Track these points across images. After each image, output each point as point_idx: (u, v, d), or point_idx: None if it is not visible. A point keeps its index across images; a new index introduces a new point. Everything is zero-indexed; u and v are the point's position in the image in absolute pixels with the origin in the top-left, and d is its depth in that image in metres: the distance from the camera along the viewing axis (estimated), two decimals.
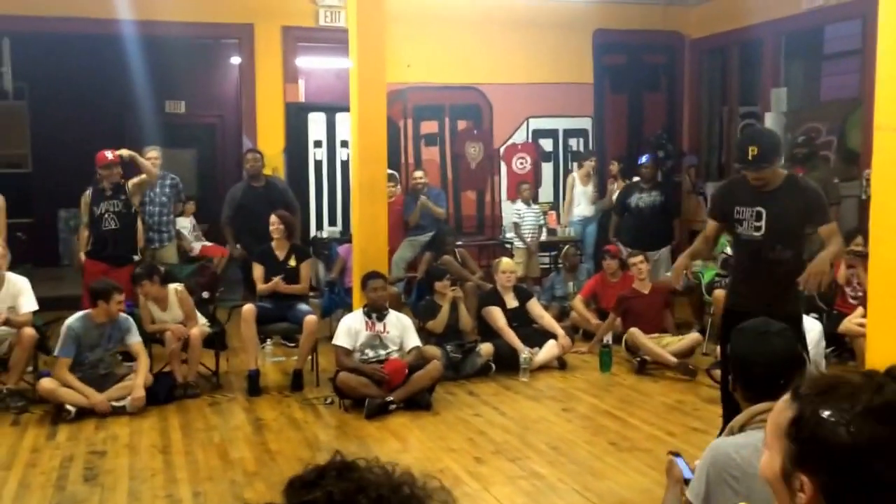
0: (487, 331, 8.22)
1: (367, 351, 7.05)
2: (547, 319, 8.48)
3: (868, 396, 1.45)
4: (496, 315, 8.21)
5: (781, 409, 1.56)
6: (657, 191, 10.33)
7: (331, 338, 7.40)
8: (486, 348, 7.94)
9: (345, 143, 11.10)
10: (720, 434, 3.40)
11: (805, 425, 1.48)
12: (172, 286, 7.56)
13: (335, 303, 9.15)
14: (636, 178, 10.58)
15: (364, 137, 7.87)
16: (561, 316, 9.45)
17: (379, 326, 7.11)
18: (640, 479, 5.33)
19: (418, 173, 10.50)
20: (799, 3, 10.56)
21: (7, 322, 6.90)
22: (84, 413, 6.62)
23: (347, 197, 10.54)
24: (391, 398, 6.72)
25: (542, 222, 11.25)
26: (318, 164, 11.48)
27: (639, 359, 7.99)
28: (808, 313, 7.37)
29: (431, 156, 11.81)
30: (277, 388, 7.59)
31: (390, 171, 9.13)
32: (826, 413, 1.46)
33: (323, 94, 12.59)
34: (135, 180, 8.43)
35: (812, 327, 7.29)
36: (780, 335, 3.04)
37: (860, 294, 7.51)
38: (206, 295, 8.30)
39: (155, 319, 7.48)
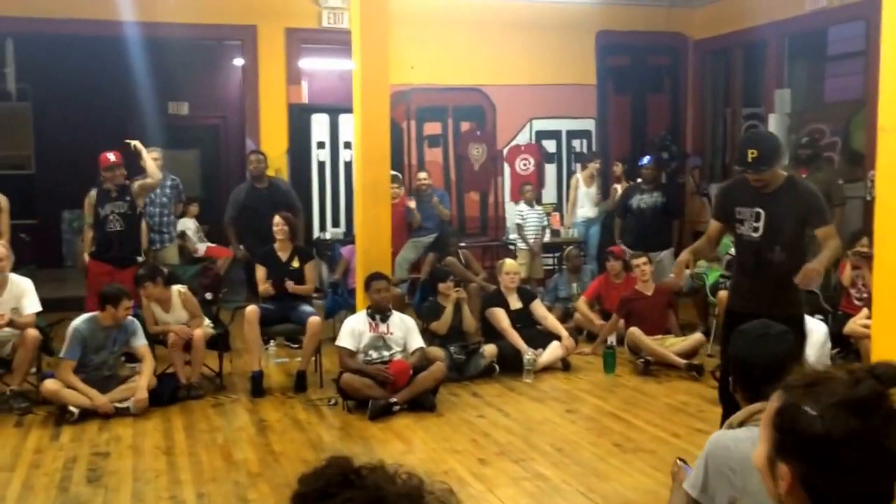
0: (491, 332, 8.21)
1: (370, 352, 7.05)
2: (550, 321, 8.47)
3: (845, 390, 1.53)
4: (500, 316, 8.20)
5: (772, 400, 1.64)
6: (658, 192, 10.32)
7: (334, 339, 7.40)
8: (489, 349, 7.94)
9: (348, 145, 11.09)
10: None
11: (786, 415, 1.57)
12: (176, 287, 7.56)
13: (339, 304, 9.15)
14: (639, 180, 10.58)
15: (367, 139, 7.87)
16: (564, 317, 9.45)
17: (382, 328, 7.11)
18: (644, 480, 5.32)
19: (422, 174, 10.50)
20: (802, 4, 10.55)
21: (10, 323, 6.88)
22: (87, 414, 6.62)
23: (351, 198, 10.53)
24: (395, 399, 6.72)
25: (545, 223, 11.24)
26: (321, 165, 11.48)
27: (643, 360, 7.98)
28: (813, 315, 7.38)
29: (435, 157, 11.80)
30: (281, 389, 7.59)
31: (394, 173, 9.13)
32: (805, 405, 1.54)
33: (326, 96, 12.59)
34: (139, 182, 8.44)
35: (817, 329, 7.29)
36: (779, 337, 3.06)
37: (865, 295, 7.49)
38: (209, 296, 8.30)
39: (158, 321, 7.48)
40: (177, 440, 6.23)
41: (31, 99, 13.82)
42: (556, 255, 11.41)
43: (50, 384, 6.69)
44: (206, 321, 7.68)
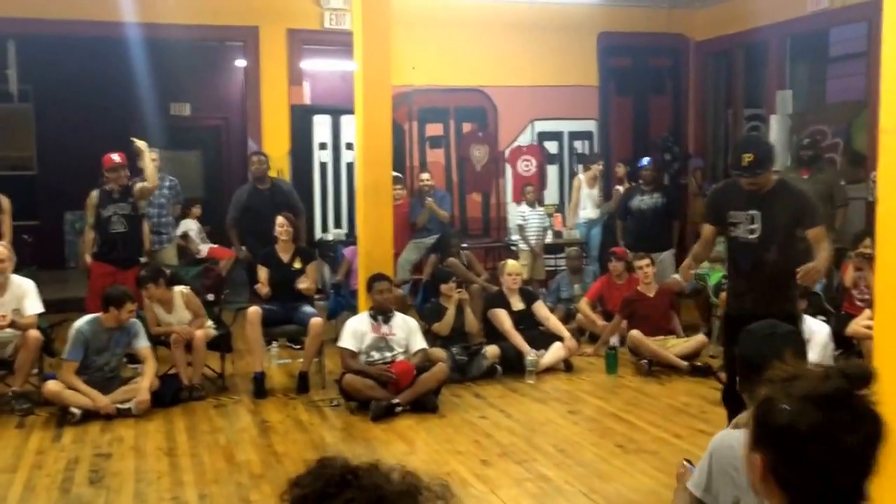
0: (493, 333, 8.21)
1: (372, 353, 7.05)
2: (553, 322, 8.47)
3: (813, 385, 1.60)
4: (502, 317, 8.20)
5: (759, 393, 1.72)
6: (659, 193, 10.35)
7: (336, 340, 7.39)
8: (491, 350, 7.93)
9: (350, 146, 11.09)
10: None
11: (762, 407, 1.65)
12: (178, 288, 7.57)
13: (341, 305, 9.16)
14: (640, 181, 10.60)
15: (369, 140, 7.86)
16: (567, 318, 9.44)
17: (385, 328, 7.11)
18: (646, 481, 5.31)
19: (425, 175, 10.50)
20: (804, 5, 10.54)
21: (12, 324, 6.88)
22: (89, 415, 6.63)
23: (352, 199, 10.54)
24: (397, 400, 6.71)
25: (546, 225, 11.24)
26: (323, 166, 11.49)
27: (645, 360, 7.98)
28: (815, 316, 7.38)
29: (436, 158, 11.80)
30: (283, 390, 7.59)
31: (397, 174, 9.12)
32: (778, 398, 1.62)
33: (328, 97, 12.59)
34: (139, 185, 8.44)
35: (820, 330, 7.27)
36: (787, 337, 3.08)
37: (867, 296, 7.48)
38: (211, 297, 8.30)
39: (160, 322, 7.48)
40: (179, 441, 6.23)
41: (33, 100, 13.84)
42: (559, 256, 11.39)
43: (52, 385, 6.69)
44: (209, 322, 7.68)
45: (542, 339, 8.21)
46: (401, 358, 7.02)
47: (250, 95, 11.29)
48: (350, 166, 11.20)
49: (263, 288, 7.75)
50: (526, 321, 8.31)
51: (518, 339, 8.02)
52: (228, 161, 15.03)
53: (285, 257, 7.94)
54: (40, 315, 7.17)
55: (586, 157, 11.99)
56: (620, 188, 11.22)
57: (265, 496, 5.14)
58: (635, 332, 8.08)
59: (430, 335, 7.86)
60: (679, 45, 12.65)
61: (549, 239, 11.30)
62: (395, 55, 8.55)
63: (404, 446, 6.13)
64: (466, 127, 11.91)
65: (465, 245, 10.49)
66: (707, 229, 5.80)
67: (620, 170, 11.56)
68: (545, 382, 7.76)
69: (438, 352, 7.58)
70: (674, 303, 8.75)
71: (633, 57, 12.50)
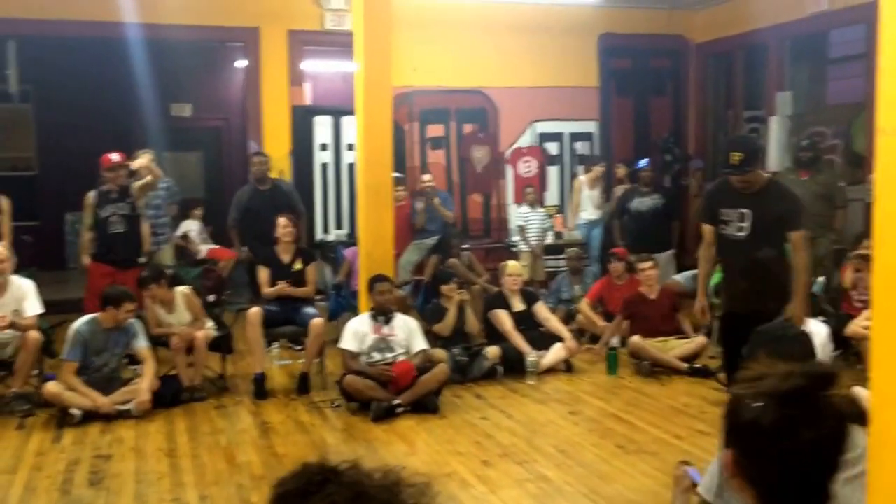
0: (494, 334, 8.21)
1: (373, 354, 7.05)
2: (553, 322, 8.47)
3: (775, 383, 1.64)
4: (503, 318, 8.21)
5: None
6: (658, 194, 10.38)
7: (337, 341, 7.39)
8: (492, 351, 7.93)
9: (351, 147, 11.09)
10: None
11: (730, 406, 1.70)
12: (180, 289, 7.57)
13: (342, 306, 9.16)
14: (639, 182, 10.62)
15: (370, 141, 7.87)
16: (567, 319, 9.43)
17: (385, 329, 7.11)
18: (647, 482, 5.31)
19: (426, 176, 10.51)
20: (803, 7, 10.54)
21: (12, 325, 6.88)
22: (89, 416, 6.62)
23: (353, 200, 10.54)
24: (398, 401, 6.72)
25: (547, 226, 11.24)
26: (324, 167, 11.49)
27: (646, 361, 7.99)
28: (814, 316, 7.38)
29: (437, 159, 11.80)
30: (284, 391, 7.59)
31: (399, 175, 9.12)
32: (745, 395, 1.67)
33: (329, 98, 12.58)
34: (138, 183, 8.44)
35: (819, 330, 7.25)
36: (796, 339, 3.09)
37: (866, 297, 7.48)
38: (212, 298, 8.30)
39: (161, 322, 7.47)
40: (179, 442, 6.22)
41: (33, 100, 13.84)
42: (560, 257, 11.39)
43: (51, 386, 6.69)
44: (209, 323, 7.68)
45: (543, 339, 8.21)
46: (402, 359, 7.02)
47: (251, 96, 11.29)
48: (351, 167, 11.21)
49: (270, 289, 7.74)
50: (526, 322, 8.31)
51: (519, 340, 8.03)
52: (229, 162, 15.01)
53: (286, 258, 7.94)
54: (40, 316, 7.16)
55: (587, 159, 12.00)
56: (618, 189, 11.24)
57: (266, 497, 5.11)
58: (636, 339, 8.07)
59: (430, 336, 7.86)
60: (679, 47, 12.66)
61: (549, 240, 11.31)
62: (395, 56, 8.56)
63: (405, 447, 6.13)
64: (467, 128, 11.91)
65: (465, 246, 10.49)
66: (706, 230, 5.92)
67: (621, 171, 11.57)
68: (546, 383, 7.76)
69: (439, 353, 7.58)
70: (677, 304, 8.71)
71: (634, 58, 12.51)
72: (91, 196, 8.35)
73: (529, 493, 5.19)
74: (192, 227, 11.14)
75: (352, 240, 10.19)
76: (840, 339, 7.54)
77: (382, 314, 7.15)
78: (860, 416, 1.90)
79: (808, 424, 1.61)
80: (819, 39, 11.31)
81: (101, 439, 6.29)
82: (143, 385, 6.82)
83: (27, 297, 7.08)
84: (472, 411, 6.91)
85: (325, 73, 13.03)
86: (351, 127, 10.61)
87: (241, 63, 12.88)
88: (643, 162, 10.71)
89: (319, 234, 11.20)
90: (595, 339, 8.96)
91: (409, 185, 10.65)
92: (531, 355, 7.86)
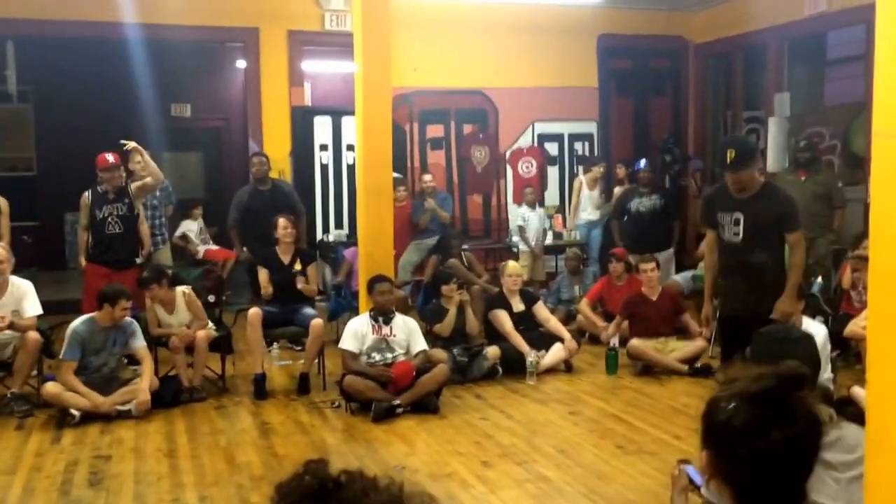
0: (494, 334, 8.21)
1: (373, 354, 7.05)
2: (553, 323, 8.48)
3: (746, 385, 1.68)
4: (503, 318, 8.21)
5: None
6: (657, 195, 10.39)
7: (337, 341, 7.40)
8: (492, 352, 7.94)
9: (351, 147, 11.10)
10: None
11: (707, 408, 1.73)
12: (180, 289, 7.56)
13: (342, 306, 9.16)
14: (638, 183, 10.64)
15: (370, 141, 7.86)
16: (567, 319, 9.44)
17: (385, 330, 7.11)
18: (646, 482, 5.32)
19: (427, 177, 10.52)
20: (802, 8, 10.55)
21: (11, 326, 6.87)
22: (89, 417, 6.62)
23: (353, 200, 10.55)
24: (398, 402, 6.72)
25: (546, 226, 11.25)
26: (324, 167, 11.49)
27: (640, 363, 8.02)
28: (813, 317, 7.38)
29: (437, 160, 11.81)
30: (284, 391, 7.59)
31: (399, 175, 9.12)
32: (720, 397, 1.71)
33: (329, 98, 12.59)
34: (137, 184, 8.44)
35: (817, 331, 7.26)
36: (799, 341, 3.09)
37: (865, 298, 7.49)
38: (212, 298, 8.29)
39: (161, 322, 7.47)
40: (179, 443, 6.22)
41: (32, 101, 13.84)
42: (560, 257, 11.40)
43: (51, 387, 6.68)
44: (209, 324, 7.68)
45: (543, 340, 8.21)
46: (401, 359, 7.02)
47: (251, 97, 11.30)
48: (351, 167, 11.21)
49: (268, 289, 7.75)
50: (526, 322, 8.32)
51: (519, 340, 8.03)
52: (229, 162, 15.02)
53: (286, 259, 7.94)
54: (39, 316, 7.15)
55: (587, 159, 12.01)
56: (617, 189, 11.26)
57: (266, 498, 5.12)
58: (635, 341, 8.07)
59: (430, 336, 7.86)
60: (679, 48, 12.67)
61: (549, 240, 11.32)
62: (395, 57, 8.56)
63: (405, 447, 6.13)
64: (467, 128, 11.93)
65: (465, 246, 10.50)
66: (709, 234, 6.00)
67: (621, 171, 11.59)
68: (546, 383, 7.77)
69: (439, 353, 7.58)
70: (679, 305, 8.69)
71: (633, 59, 12.52)
72: (85, 196, 8.33)
73: (529, 493, 5.19)
74: (191, 227, 11.14)
75: (352, 240, 10.19)
76: (839, 340, 7.56)
77: (382, 314, 7.14)
78: (860, 416, 1.92)
79: (780, 425, 1.63)
80: (817, 40, 11.32)
81: (101, 440, 6.29)
82: (143, 385, 6.81)
83: (26, 297, 7.07)
84: (471, 411, 6.91)
85: (325, 74, 13.04)
86: (351, 127, 10.62)
87: (240, 63, 12.90)
88: (642, 162, 10.73)
89: (319, 235, 11.20)
90: (595, 339, 8.96)
91: (410, 186, 10.66)
92: (531, 355, 7.86)
